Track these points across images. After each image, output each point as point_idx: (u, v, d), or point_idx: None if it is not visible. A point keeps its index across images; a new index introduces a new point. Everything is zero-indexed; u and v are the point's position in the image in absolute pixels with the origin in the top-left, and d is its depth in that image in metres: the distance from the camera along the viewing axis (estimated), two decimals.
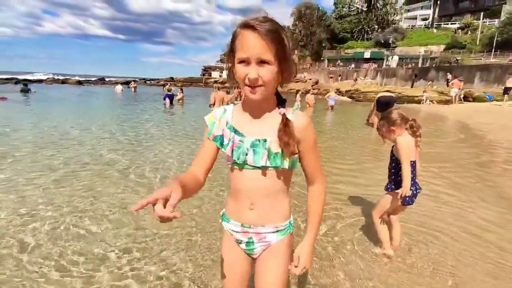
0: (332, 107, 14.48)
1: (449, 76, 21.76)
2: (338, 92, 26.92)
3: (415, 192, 2.19)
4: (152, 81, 49.15)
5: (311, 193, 1.10)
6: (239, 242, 1.11)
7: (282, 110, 1.01)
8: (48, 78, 39.41)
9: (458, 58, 28.01)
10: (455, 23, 41.63)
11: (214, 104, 9.75)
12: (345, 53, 45.38)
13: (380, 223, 2.35)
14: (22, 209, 2.91)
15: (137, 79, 38.06)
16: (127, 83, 32.21)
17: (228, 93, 14.04)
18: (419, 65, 29.50)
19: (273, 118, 1.01)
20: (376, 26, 46.20)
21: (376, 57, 38.47)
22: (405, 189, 2.09)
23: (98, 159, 4.74)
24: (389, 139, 2.27)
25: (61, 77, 41.28)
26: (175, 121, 9.82)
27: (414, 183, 2.19)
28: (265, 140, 1.00)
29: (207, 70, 63.95)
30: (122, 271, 2.06)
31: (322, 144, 6.61)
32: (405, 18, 49.82)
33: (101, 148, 5.49)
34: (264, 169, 1.01)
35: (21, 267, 2.06)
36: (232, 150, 1.02)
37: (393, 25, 45.02)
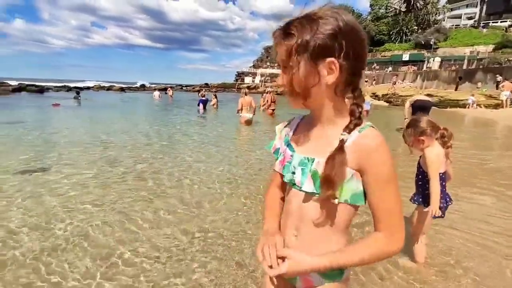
0: (367, 112, 13.96)
1: (499, 78, 20.07)
2: (374, 96, 25.99)
3: (445, 204, 2.07)
4: (188, 87, 51.00)
5: (371, 238, 0.81)
6: None
7: (344, 134, 0.77)
8: (95, 85, 42.59)
9: (510, 59, 25.75)
10: (506, 21, 38.42)
11: (241, 110, 9.92)
12: (381, 56, 43.77)
13: (421, 241, 2.22)
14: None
15: (173, 86, 39.78)
16: (164, 89, 33.78)
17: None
18: (464, 66, 27.55)
19: (332, 133, 0.81)
20: (416, 27, 44.06)
21: (415, 59, 36.63)
22: (434, 208, 1.97)
23: (136, 161, 5.04)
24: (416, 148, 2.12)
25: (106, 84, 44.41)
26: (206, 126, 10.10)
27: (444, 195, 2.07)
28: (313, 160, 0.82)
29: (240, 75, 65.10)
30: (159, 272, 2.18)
31: None
32: (448, 18, 46.98)
33: (138, 150, 5.82)
34: (310, 194, 0.82)
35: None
36: (283, 166, 0.90)
37: (435, 25, 42.65)
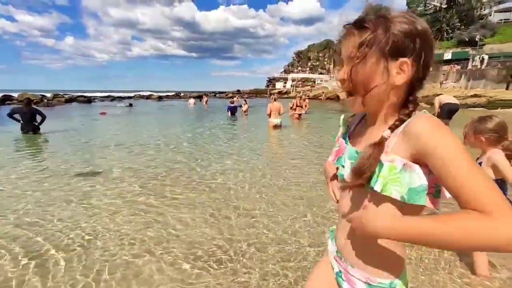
0: (437, 113, 13.24)
1: None
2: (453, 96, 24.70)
3: None
4: (221, 94, 52.26)
5: (462, 212, 0.63)
6: (333, 267, 0.96)
7: (387, 132, 0.75)
8: (135, 95, 45.23)
9: None
10: None
11: (270, 115, 10.06)
12: None
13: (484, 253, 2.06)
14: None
15: (208, 93, 41.03)
16: (199, 97, 34.95)
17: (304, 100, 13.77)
18: None
19: (384, 129, 0.77)
20: (459, 24, 41.32)
21: (459, 58, 34.29)
22: None
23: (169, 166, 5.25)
24: (473, 146, 1.97)
25: (145, 94, 46.97)
26: (232, 133, 10.25)
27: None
28: (359, 152, 0.81)
29: (271, 81, 65.49)
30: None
31: None
32: (495, 12, 43.45)
33: (173, 154, 6.06)
34: (359, 188, 0.78)
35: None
36: (337, 158, 0.90)
37: (480, 21, 39.70)
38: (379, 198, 0.75)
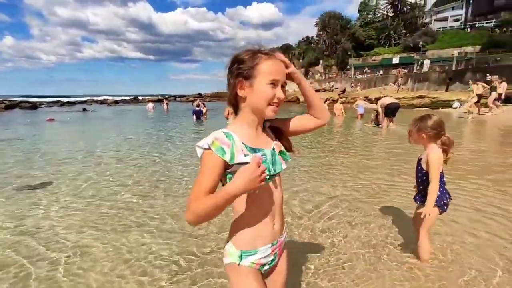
0: (361, 115, 14.18)
1: (489, 77, 20.46)
2: (367, 99, 26.31)
3: (447, 200, 2.14)
4: (182, 98, 51.09)
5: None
6: (262, 266, 1.12)
7: (266, 123, 1.17)
8: (88, 99, 42.45)
9: (497, 58, 26.33)
10: (491, 22, 39.43)
11: (229, 117, 10.07)
12: (372, 60, 44.43)
13: (424, 238, 2.23)
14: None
15: (167, 97, 39.76)
16: (159, 100, 33.77)
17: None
18: (453, 67, 28.11)
19: (264, 130, 1.16)
20: (404, 31, 44.92)
21: (405, 62, 37.25)
22: (427, 210, 2.02)
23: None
24: (416, 142, 2.18)
25: (100, 98, 44.30)
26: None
27: (445, 192, 2.15)
28: (273, 149, 1.13)
29: None
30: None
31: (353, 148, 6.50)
32: (435, 20, 48.00)
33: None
34: (279, 173, 1.14)
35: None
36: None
37: (422, 28, 43.56)
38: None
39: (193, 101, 21.77)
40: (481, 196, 3.68)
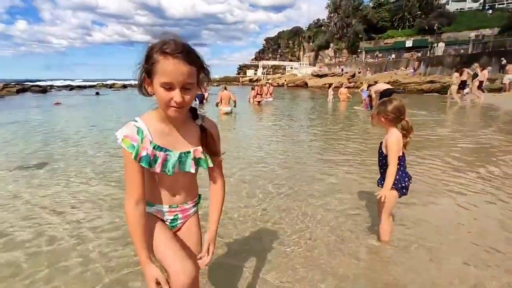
0: (365, 100, 13.92)
1: (504, 61, 19.65)
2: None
3: (406, 184, 2.14)
4: None
5: (217, 184, 1.30)
6: (163, 220, 1.26)
7: (199, 120, 1.17)
8: (98, 83, 42.93)
9: None
10: None
11: (220, 103, 10.28)
12: (384, 43, 43.08)
13: (385, 221, 2.25)
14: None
15: None
16: None
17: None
18: (469, 51, 27.00)
19: (190, 128, 1.16)
20: (419, 12, 43.12)
21: (419, 46, 36.00)
22: (383, 193, 2.05)
23: None
24: (378, 125, 2.20)
25: (109, 82, 44.74)
26: None
27: (405, 175, 2.15)
28: (189, 152, 1.14)
29: (242, 68, 64.94)
30: None
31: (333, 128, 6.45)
32: (452, 1, 45.81)
33: None
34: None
35: None
36: (162, 166, 1.10)
37: (439, 10, 41.71)
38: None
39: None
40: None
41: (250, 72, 56.71)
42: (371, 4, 49.03)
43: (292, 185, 3.62)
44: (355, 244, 2.34)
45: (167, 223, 1.27)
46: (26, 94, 25.30)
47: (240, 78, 49.56)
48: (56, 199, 3.25)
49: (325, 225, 2.65)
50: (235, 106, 10.33)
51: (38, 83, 36.84)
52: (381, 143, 2.19)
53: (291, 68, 52.87)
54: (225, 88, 10.57)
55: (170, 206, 1.24)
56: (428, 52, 32.12)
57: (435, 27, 37.34)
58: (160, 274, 1.08)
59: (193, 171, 1.16)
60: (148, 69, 1.00)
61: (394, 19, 45.39)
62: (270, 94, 16.14)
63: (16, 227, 2.63)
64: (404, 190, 2.12)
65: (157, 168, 1.10)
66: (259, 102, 13.66)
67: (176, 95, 0.98)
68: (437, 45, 31.14)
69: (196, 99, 14.22)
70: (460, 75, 13.83)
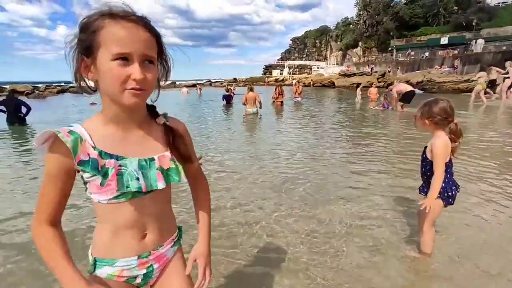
0: (395, 99, 13.37)
1: None
2: (408, 84, 24.60)
3: (453, 192, 1.96)
4: (216, 83, 51.86)
5: (200, 195, 1.06)
6: (132, 279, 0.92)
7: (160, 119, 0.89)
8: None
9: None
10: None
11: (246, 103, 10.28)
12: (417, 40, 41.16)
13: (427, 232, 2.10)
14: None
15: (202, 82, 40.48)
16: (193, 85, 34.63)
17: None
18: None
19: (152, 130, 0.87)
20: (456, 8, 40.73)
21: (455, 43, 34.00)
22: (428, 203, 1.88)
23: None
24: (422, 128, 2.02)
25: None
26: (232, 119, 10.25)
27: (452, 183, 1.98)
28: (152, 159, 0.84)
29: (268, 68, 64.91)
30: None
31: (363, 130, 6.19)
32: None
33: None
34: (159, 190, 0.85)
35: None
36: (117, 181, 0.79)
37: (478, 4, 39.16)
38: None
39: (227, 85, 22.33)
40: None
41: (275, 72, 56.52)
42: (403, 1, 47.05)
43: (322, 189, 3.52)
44: (392, 255, 2.21)
45: (138, 281, 0.93)
46: (65, 95, 26.94)
47: (266, 78, 49.44)
48: None
49: (358, 233, 2.54)
50: (260, 107, 10.27)
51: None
52: (425, 148, 2.04)
53: (318, 67, 52.01)
54: (251, 89, 10.50)
55: (139, 257, 0.89)
56: (466, 49, 30.24)
57: (473, 23, 35.07)
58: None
59: (161, 186, 0.83)
60: (86, 43, 0.72)
61: (428, 16, 43.24)
62: (299, 94, 15.95)
63: None
64: (450, 200, 1.96)
65: (111, 184, 0.77)
66: (281, 102, 13.52)
67: (135, 69, 0.71)
68: (475, 42, 29.23)
69: (224, 99, 14.46)
70: (488, 73, 13.05)
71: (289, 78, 44.06)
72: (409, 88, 11.15)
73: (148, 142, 0.86)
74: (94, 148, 0.78)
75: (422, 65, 31.67)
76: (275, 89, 14.17)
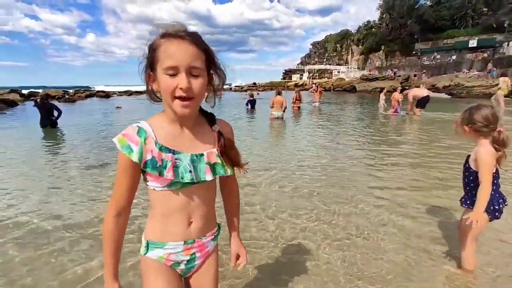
0: (411, 104, 12.95)
1: None
2: (434, 88, 23.73)
3: (499, 206, 1.82)
4: (236, 87, 52.34)
5: (232, 198, 1.19)
6: (177, 264, 1.04)
7: (216, 127, 1.02)
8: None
9: None
10: None
11: (272, 107, 10.43)
12: (443, 43, 39.72)
13: (470, 247, 1.97)
14: None
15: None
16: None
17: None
18: None
19: (204, 132, 1.00)
20: (486, 9, 39.02)
21: (485, 45, 32.51)
22: (476, 215, 1.74)
23: None
24: (464, 135, 1.89)
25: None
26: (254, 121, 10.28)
27: (498, 195, 1.83)
28: (201, 155, 0.97)
29: (287, 73, 64.69)
30: None
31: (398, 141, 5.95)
32: None
33: None
34: (207, 182, 0.98)
35: None
36: (173, 172, 0.92)
37: (510, 5, 37.29)
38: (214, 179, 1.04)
39: (246, 91, 22.42)
40: None
41: (295, 77, 56.28)
42: (428, 3, 45.65)
43: (352, 198, 3.41)
44: (429, 269, 2.09)
45: (182, 267, 1.05)
46: (93, 99, 28.07)
47: (286, 83, 49.35)
48: None
49: (391, 245, 2.42)
50: (284, 111, 10.34)
51: (103, 88, 40.75)
52: (467, 157, 1.91)
53: (338, 72, 51.32)
54: (279, 93, 10.62)
55: (185, 243, 1.02)
56: (496, 52, 28.84)
57: (505, 24, 33.44)
58: None
59: (209, 178, 0.96)
60: (151, 60, 0.88)
61: (455, 18, 41.69)
62: (318, 99, 15.85)
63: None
64: (496, 214, 1.82)
65: (168, 174, 0.91)
66: (298, 107, 13.59)
67: (181, 79, 0.83)
68: (508, 44, 27.84)
69: (249, 104, 14.56)
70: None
71: (309, 83, 43.73)
72: (425, 93, 11.22)
73: (199, 139, 0.99)
74: (156, 143, 0.92)
75: (449, 69, 30.53)
76: (294, 94, 14.25)
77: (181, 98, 0.86)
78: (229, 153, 1.01)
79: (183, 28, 0.87)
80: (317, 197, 3.42)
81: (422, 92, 11.30)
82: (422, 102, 10.98)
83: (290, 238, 2.53)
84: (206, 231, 1.07)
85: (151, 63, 0.88)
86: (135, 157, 0.89)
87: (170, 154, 0.92)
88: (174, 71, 0.84)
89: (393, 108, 11.89)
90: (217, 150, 1.00)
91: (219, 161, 0.99)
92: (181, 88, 0.84)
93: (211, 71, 0.94)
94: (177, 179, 0.92)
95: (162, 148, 0.92)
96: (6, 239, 2.56)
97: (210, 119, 1.03)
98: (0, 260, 2.26)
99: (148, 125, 0.94)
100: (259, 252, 2.33)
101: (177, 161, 0.93)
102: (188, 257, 1.04)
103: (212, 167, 0.98)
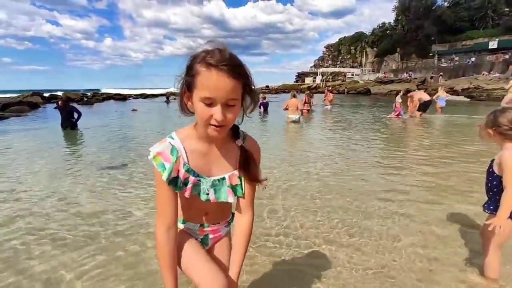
0: (441, 108, 12.60)
1: None
2: (452, 91, 23.10)
3: None
4: None
5: (246, 221, 1.15)
6: (195, 237, 1.21)
7: (239, 141, 1.06)
8: (167, 92, 46.90)
9: None
10: None
11: (287, 109, 10.32)
12: (462, 45, 38.64)
13: (494, 255, 1.91)
14: None
15: None
16: None
17: (311, 96, 14.69)
18: None
19: (229, 150, 1.06)
20: (507, 9, 37.76)
21: (506, 47, 31.39)
22: (499, 220, 1.68)
23: None
24: (490, 140, 1.84)
25: (177, 91, 48.33)
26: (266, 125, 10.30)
27: None
28: (223, 178, 1.05)
29: (300, 76, 64.54)
30: None
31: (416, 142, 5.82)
32: None
33: None
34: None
35: None
36: (191, 189, 1.03)
37: None
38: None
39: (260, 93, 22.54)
40: None
41: (308, 80, 56.04)
42: (446, 4, 44.59)
43: (366, 201, 3.37)
44: (449, 277, 2.04)
45: (198, 239, 1.23)
46: (110, 101, 28.83)
47: (299, 86, 49.18)
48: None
49: (409, 252, 2.37)
50: (302, 114, 10.33)
51: (119, 91, 41.74)
52: (491, 161, 1.86)
53: (352, 74, 50.75)
54: (294, 96, 10.62)
55: (201, 226, 1.19)
56: None
57: None
58: None
59: (231, 200, 1.07)
60: (188, 81, 0.90)
61: (474, 19, 40.52)
62: (330, 102, 15.77)
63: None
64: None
65: (186, 193, 1.02)
66: (308, 110, 13.62)
67: (217, 112, 0.87)
68: None
69: (261, 106, 14.58)
70: None
71: (322, 86, 43.44)
72: (428, 97, 11.70)
73: (224, 160, 1.06)
74: (184, 164, 1.00)
75: (468, 71, 29.70)
76: (304, 97, 14.29)
77: (214, 125, 0.90)
78: (249, 169, 1.06)
79: (224, 55, 0.86)
80: (341, 199, 3.40)
81: (426, 96, 11.71)
82: (424, 106, 11.35)
83: (302, 242, 2.53)
84: (220, 219, 1.22)
85: (188, 85, 0.91)
86: (164, 176, 0.97)
87: (194, 178, 1.02)
88: (210, 101, 0.87)
89: (396, 111, 11.65)
90: (239, 170, 1.07)
91: (239, 182, 1.07)
92: (216, 120, 0.88)
93: (246, 94, 0.95)
94: (194, 193, 1.04)
95: (189, 170, 1.01)
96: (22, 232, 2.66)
97: (235, 131, 1.08)
98: (25, 255, 2.35)
99: (180, 143, 1.00)
100: (274, 252, 2.34)
101: (198, 181, 1.03)
102: (202, 237, 1.21)
103: (234, 188, 1.08)
